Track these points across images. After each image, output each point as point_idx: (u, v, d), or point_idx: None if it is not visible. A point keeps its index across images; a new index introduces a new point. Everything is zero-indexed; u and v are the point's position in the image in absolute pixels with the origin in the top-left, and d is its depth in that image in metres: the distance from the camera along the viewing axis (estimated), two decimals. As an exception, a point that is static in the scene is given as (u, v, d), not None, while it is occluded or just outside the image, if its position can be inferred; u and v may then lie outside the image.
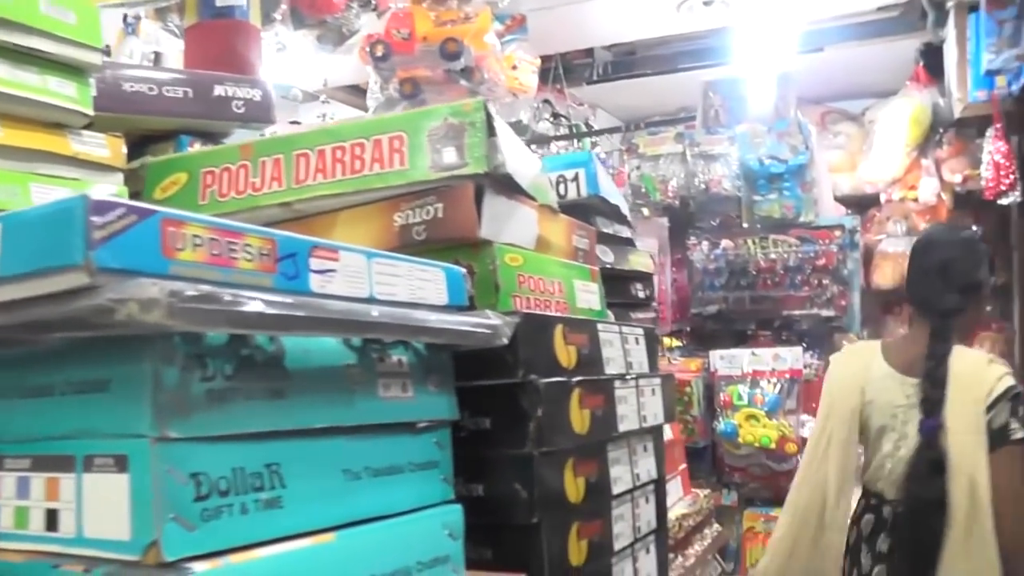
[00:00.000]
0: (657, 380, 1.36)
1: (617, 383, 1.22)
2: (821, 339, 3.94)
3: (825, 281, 3.71)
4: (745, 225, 3.87)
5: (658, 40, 4.40)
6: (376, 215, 1.20)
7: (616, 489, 1.21)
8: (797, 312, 3.76)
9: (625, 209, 1.82)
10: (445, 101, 3.77)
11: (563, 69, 4.44)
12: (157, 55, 3.13)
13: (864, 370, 2.20)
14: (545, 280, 1.23)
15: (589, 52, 4.61)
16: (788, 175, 3.69)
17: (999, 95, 3.63)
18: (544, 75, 4.15)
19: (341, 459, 0.86)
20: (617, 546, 1.21)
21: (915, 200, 4.33)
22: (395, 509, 0.91)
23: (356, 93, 4.26)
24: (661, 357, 3.80)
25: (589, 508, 1.12)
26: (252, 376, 0.79)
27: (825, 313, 3.72)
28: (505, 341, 1.00)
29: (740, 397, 3.53)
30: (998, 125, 3.69)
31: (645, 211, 4.05)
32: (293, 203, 1.24)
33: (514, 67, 3.47)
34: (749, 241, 3.79)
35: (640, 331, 1.36)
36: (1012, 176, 3.68)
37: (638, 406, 1.27)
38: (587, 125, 4.53)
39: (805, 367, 3.58)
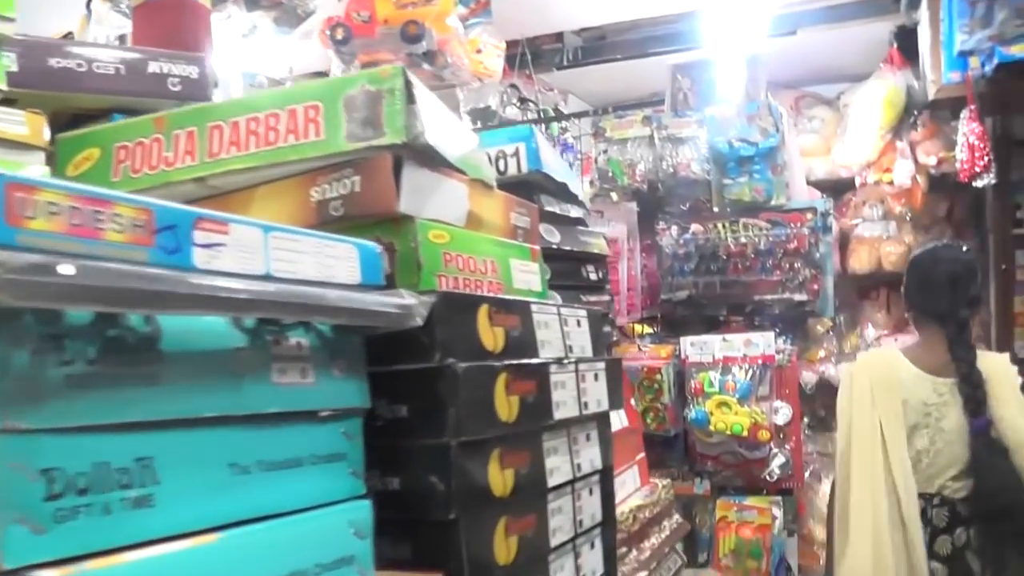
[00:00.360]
0: (601, 364, 1.29)
1: (553, 368, 1.14)
2: (794, 324, 3.88)
3: (797, 265, 3.64)
4: (715, 209, 3.80)
5: (629, 24, 4.32)
6: (293, 190, 1.12)
7: (553, 481, 1.13)
8: (769, 297, 3.69)
9: (577, 188, 1.74)
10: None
11: (533, 55, 4.35)
12: (122, 39, 3.04)
13: (894, 372, 2.37)
14: (476, 259, 1.15)
15: (559, 37, 4.53)
16: (758, 158, 3.62)
17: (973, 76, 3.57)
18: (513, 60, 4.07)
19: (227, 451, 0.78)
20: (555, 542, 1.13)
21: (890, 183, 4.26)
22: (293, 506, 0.83)
23: (321, 80, 4.17)
24: (630, 344, 3.73)
25: (519, 502, 1.05)
26: (121, 360, 0.72)
27: (797, 297, 3.64)
28: (419, 322, 0.92)
29: (711, 384, 3.45)
30: (972, 107, 3.63)
31: (614, 196, 3.97)
32: (207, 178, 1.16)
33: (478, 51, 3.39)
34: (719, 225, 3.71)
35: (583, 313, 1.29)
36: (987, 158, 3.63)
37: (578, 392, 1.20)
38: (556, 111, 4.45)
39: (778, 353, 3.50)
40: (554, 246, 1.55)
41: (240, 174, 1.14)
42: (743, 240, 3.67)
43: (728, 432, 3.37)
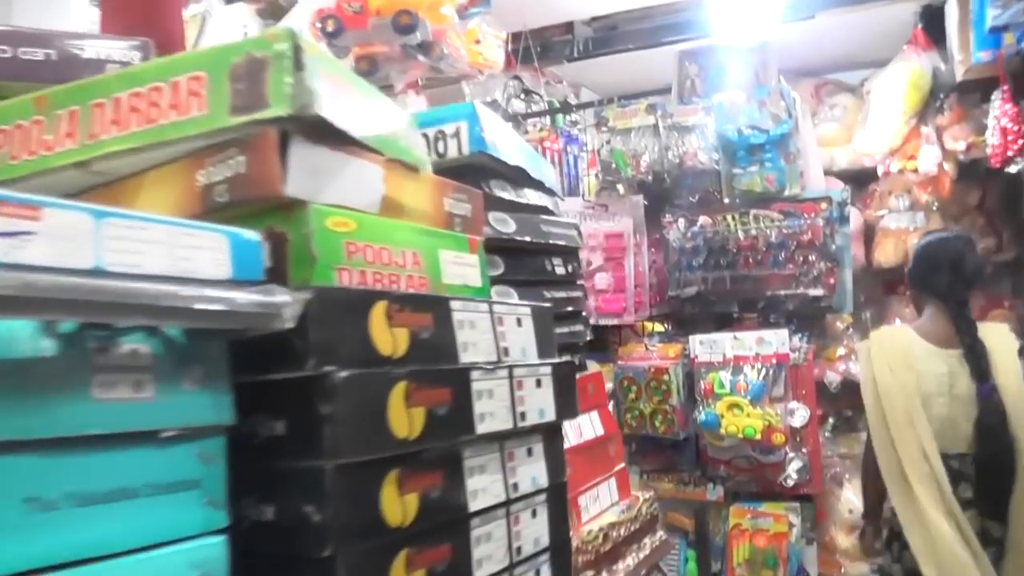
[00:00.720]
0: (546, 369, 1.13)
1: (475, 374, 0.99)
2: (810, 320, 3.67)
3: (811, 258, 3.43)
4: (726, 200, 3.60)
5: (641, 12, 4.16)
6: (179, 175, 0.99)
7: (476, 504, 0.98)
8: (782, 292, 3.48)
9: (542, 173, 1.59)
10: (406, 79, 3.55)
11: (543, 46, 4.21)
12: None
13: (908, 348, 2.58)
14: (391, 250, 1.01)
15: (569, 28, 4.38)
16: (769, 145, 3.42)
17: (1006, 53, 3.34)
18: (522, 52, 3.93)
19: (23, 484, 0.65)
20: (480, 573, 0.98)
21: (915, 171, 4.04)
22: (121, 546, 0.69)
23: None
24: (637, 343, 3.56)
25: (428, 531, 0.90)
26: None
27: (812, 292, 3.43)
28: (289, 323, 0.78)
29: (722, 385, 3.26)
30: (1005, 87, 3.41)
31: (620, 188, 3.79)
32: (90, 163, 1.03)
33: (477, 41, 3.26)
34: (728, 217, 3.51)
35: (525, 310, 1.14)
36: (1021, 141, 3.41)
37: (512, 401, 1.05)
38: (563, 103, 4.29)
39: (792, 351, 3.30)
40: (506, 236, 1.40)
41: (122, 157, 1.00)
42: (754, 232, 3.47)
43: (740, 435, 3.18)
